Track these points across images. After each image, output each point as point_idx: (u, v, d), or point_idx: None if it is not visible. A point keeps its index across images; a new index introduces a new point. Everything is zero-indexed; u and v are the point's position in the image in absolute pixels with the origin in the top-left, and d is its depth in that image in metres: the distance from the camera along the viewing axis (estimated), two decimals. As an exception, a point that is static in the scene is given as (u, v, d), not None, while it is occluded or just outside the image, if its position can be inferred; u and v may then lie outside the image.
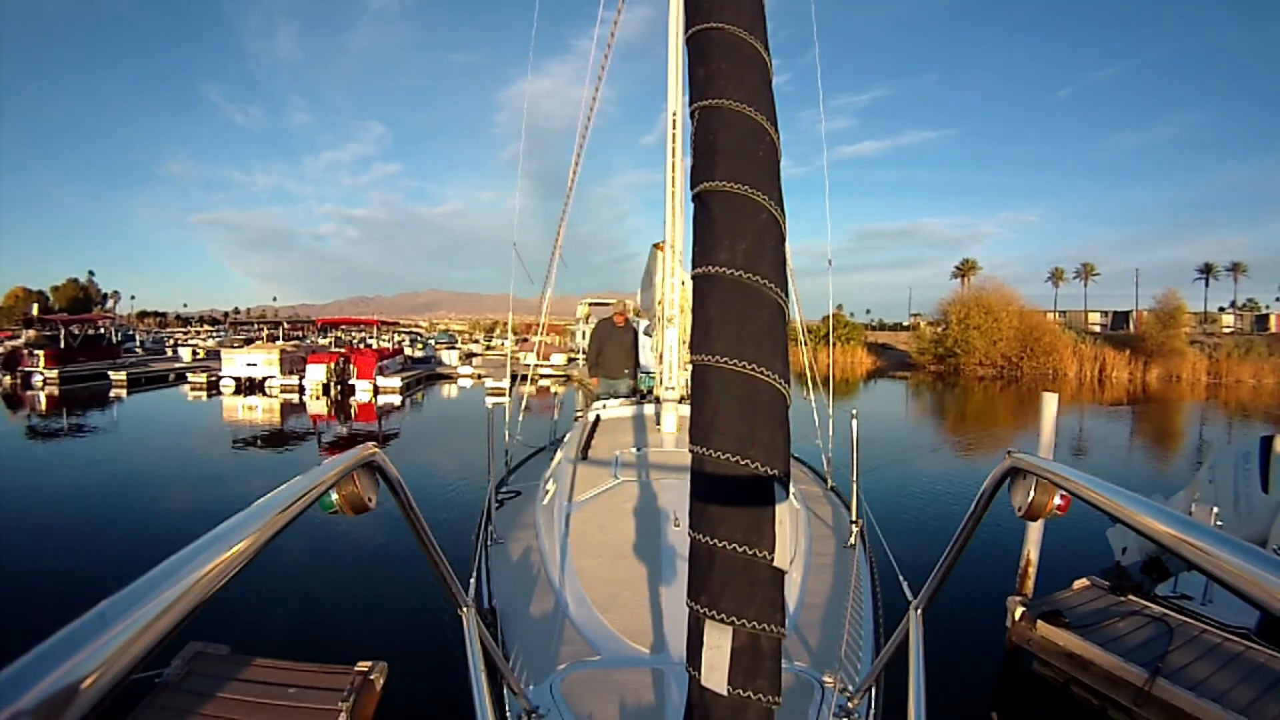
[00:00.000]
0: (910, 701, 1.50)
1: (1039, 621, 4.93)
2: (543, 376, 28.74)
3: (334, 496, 1.04)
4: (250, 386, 24.92)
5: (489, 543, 3.93)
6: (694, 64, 1.48)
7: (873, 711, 2.24)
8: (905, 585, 3.33)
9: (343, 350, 27.53)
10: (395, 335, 39.91)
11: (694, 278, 1.44)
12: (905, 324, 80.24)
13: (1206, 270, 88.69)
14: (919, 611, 1.65)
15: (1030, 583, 5.58)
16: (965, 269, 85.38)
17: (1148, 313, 48.28)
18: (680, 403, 5.46)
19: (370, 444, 1.16)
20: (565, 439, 5.73)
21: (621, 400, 6.69)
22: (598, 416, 5.91)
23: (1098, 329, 59.89)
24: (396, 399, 23.83)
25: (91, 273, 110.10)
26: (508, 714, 2.02)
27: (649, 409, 6.06)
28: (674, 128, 5.68)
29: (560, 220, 7.30)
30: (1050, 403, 5.81)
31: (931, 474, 12.32)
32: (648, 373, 8.59)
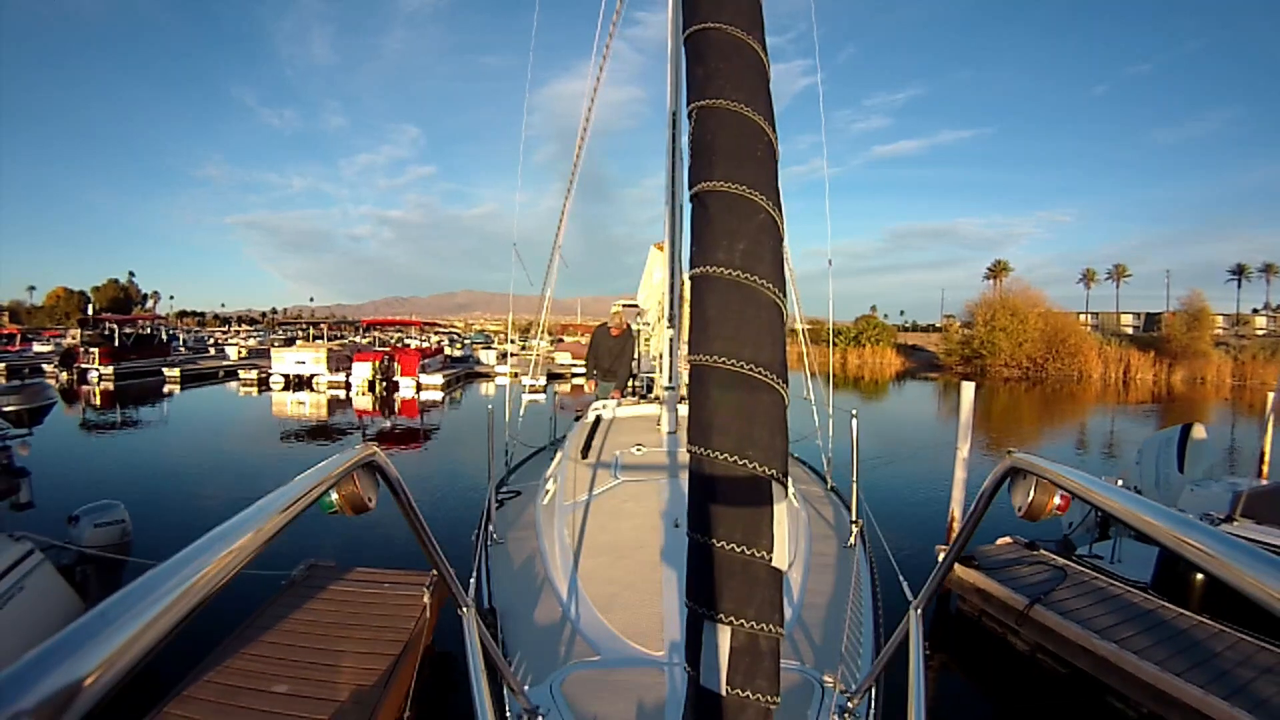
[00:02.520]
0: (910, 701, 1.50)
1: (956, 565, 5.66)
2: (576, 375, 29.47)
3: (334, 496, 1.06)
4: (299, 383, 25.99)
5: (489, 543, 3.95)
6: (692, 64, 1.48)
7: (873, 711, 2.24)
8: (905, 585, 3.43)
9: (387, 349, 28.58)
10: (434, 335, 40.92)
11: (692, 278, 1.43)
12: (938, 325, 79.98)
13: (1239, 271, 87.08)
14: (919, 611, 1.67)
15: (954, 535, 6.59)
16: (997, 270, 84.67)
17: (1172, 314, 48.13)
18: (680, 403, 5.41)
19: (370, 444, 1.17)
20: (565, 439, 5.73)
21: (622, 400, 6.73)
22: (598, 416, 5.93)
23: (1130, 330, 59.39)
24: (438, 395, 24.73)
25: (132, 273, 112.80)
26: (508, 714, 2.02)
27: (649, 409, 6.09)
28: (673, 128, 5.69)
29: (559, 222, 7.40)
30: (968, 390, 7.00)
31: (933, 474, 12.30)
32: (648, 375, 8.83)
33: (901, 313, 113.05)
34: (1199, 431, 6.71)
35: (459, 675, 1.99)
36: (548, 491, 4.43)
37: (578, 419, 6.70)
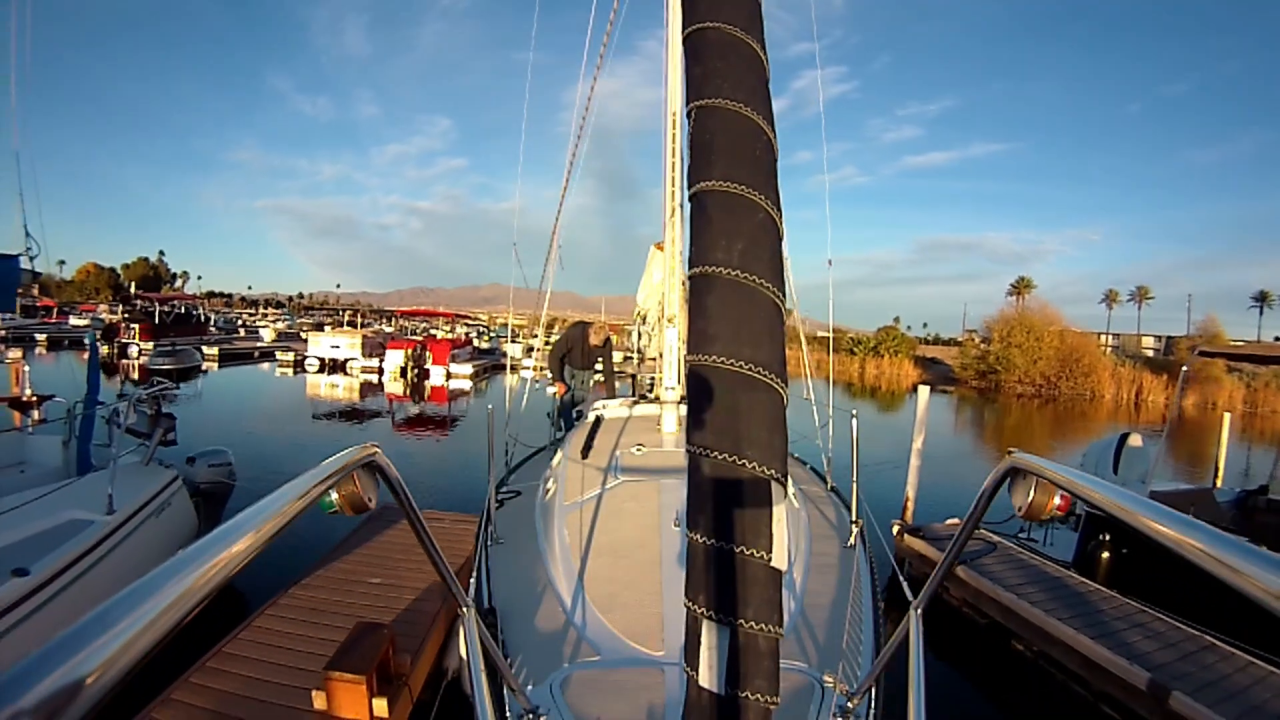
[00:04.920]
0: (910, 701, 1.49)
1: (905, 535, 7.29)
2: (596, 372, 30.48)
3: (334, 496, 1.06)
4: (333, 367, 27.08)
5: (489, 543, 3.94)
6: (691, 64, 1.47)
7: (873, 711, 2.21)
8: (905, 585, 3.48)
9: (419, 338, 29.77)
10: (461, 327, 42.18)
11: (691, 278, 1.42)
12: (959, 339, 79.95)
13: (1261, 298, 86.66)
14: (919, 611, 1.64)
15: (909, 513, 7.82)
16: (1020, 287, 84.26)
17: (1184, 339, 48.27)
18: (680, 403, 5.41)
19: (370, 444, 1.17)
20: (565, 439, 5.71)
21: (622, 400, 6.70)
22: (599, 416, 5.93)
23: (1150, 353, 59.47)
24: (466, 384, 25.70)
25: (162, 252, 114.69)
26: (508, 714, 2.01)
27: (649, 409, 6.06)
28: (673, 128, 5.66)
29: (555, 221, 7.41)
30: (923, 392, 8.26)
31: (934, 475, 12.32)
32: (595, 371, 8.79)
33: (925, 325, 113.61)
34: (1135, 440, 7.53)
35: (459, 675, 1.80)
36: (548, 491, 4.43)
37: (578, 418, 6.82)
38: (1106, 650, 4.77)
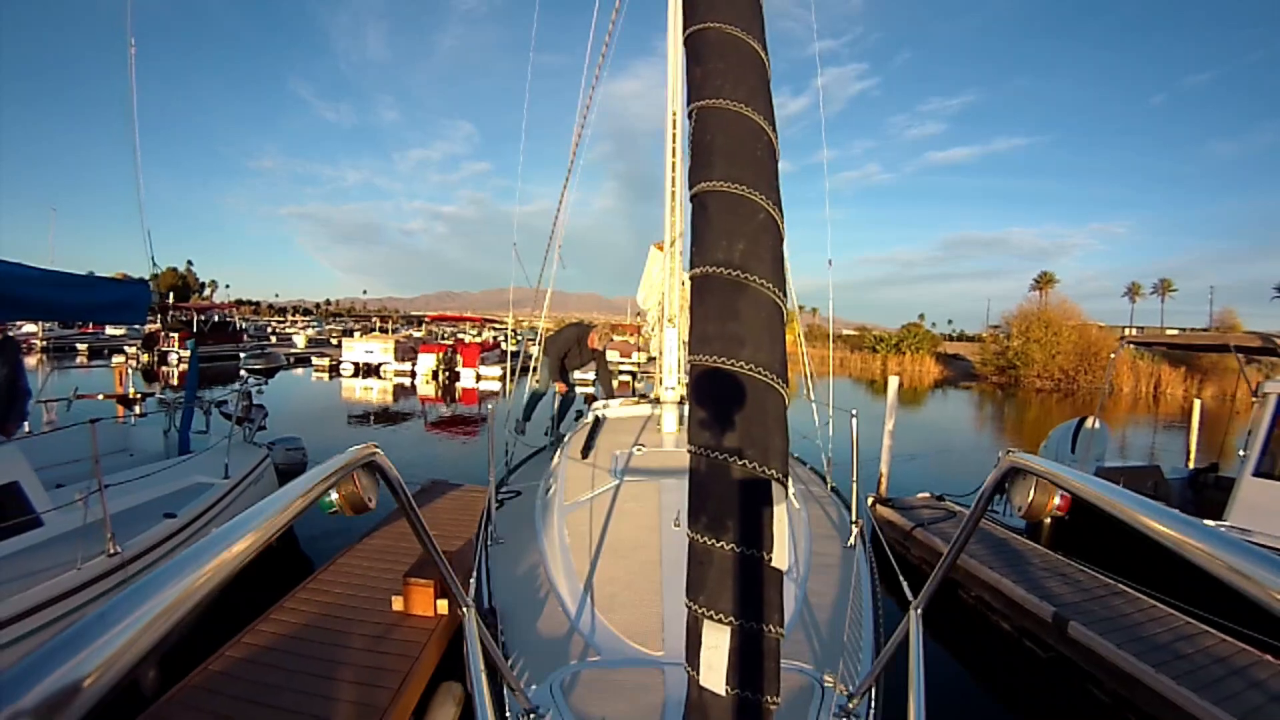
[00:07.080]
0: (910, 701, 1.49)
1: (878, 505, 8.16)
2: (622, 372, 31.44)
3: (334, 496, 1.06)
4: (367, 371, 28.17)
5: (489, 543, 3.95)
6: (691, 64, 1.46)
7: (873, 711, 2.20)
8: (905, 585, 3.32)
9: (448, 342, 30.85)
10: (488, 331, 43.21)
11: (691, 278, 1.42)
12: (982, 336, 79.58)
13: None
14: (919, 611, 1.66)
15: (883, 487, 8.68)
16: (1043, 282, 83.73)
17: (1205, 331, 48.05)
18: (680, 403, 5.43)
19: (370, 444, 1.17)
20: (566, 439, 5.67)
21: (622, 400, 6.70)
22: (598, 417, 5.94)
23: (1172, 346, 58.94)
24: (495, 385, 26.47)
25: (190, 262, 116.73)
26: (508, 714, 2.01)
27: (649, 409, 6.08)
28: (674, 128, 5.69)
29: (555, 221, 7.35)
30: (893, 382, 9.47)
31: (934, 475, 12.51)
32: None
33: (950, 322, 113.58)
34: (1091, 423, 8.47)
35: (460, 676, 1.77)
36: (548, 491, 4.44)
37: (579, 419, 6.83)
38: (1023, 591, 5.65)
